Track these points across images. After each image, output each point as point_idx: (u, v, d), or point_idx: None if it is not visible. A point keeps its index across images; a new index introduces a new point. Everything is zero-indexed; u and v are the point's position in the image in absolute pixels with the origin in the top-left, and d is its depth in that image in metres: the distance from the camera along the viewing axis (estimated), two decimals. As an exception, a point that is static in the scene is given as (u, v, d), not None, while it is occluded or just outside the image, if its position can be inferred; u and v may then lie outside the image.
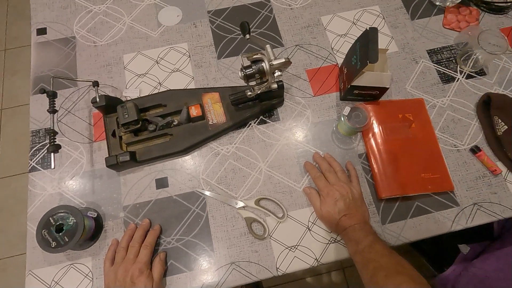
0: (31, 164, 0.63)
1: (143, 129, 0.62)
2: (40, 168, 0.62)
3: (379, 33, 0.55)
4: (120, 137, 0.62)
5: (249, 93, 0.57)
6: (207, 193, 0.60)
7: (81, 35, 0.73)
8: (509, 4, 0.73)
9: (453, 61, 0.70)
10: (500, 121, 0.62)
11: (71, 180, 0.62)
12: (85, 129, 0.65)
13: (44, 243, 0.51)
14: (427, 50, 0.71)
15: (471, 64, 0.68)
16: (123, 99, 0.66)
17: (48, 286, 0.55)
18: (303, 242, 0.57)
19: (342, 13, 0.75)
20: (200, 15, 0.75)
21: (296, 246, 0.57)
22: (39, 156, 0.63)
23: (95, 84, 0.61)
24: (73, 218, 0.52)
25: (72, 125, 0.65)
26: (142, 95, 0.68)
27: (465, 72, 0.69)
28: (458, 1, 0.74)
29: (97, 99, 0.59)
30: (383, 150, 0.61)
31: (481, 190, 0.60)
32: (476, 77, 0.68)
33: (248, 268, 0.56)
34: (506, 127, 0.62)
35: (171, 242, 0.58)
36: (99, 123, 0.65)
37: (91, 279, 0.55)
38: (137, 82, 0.69)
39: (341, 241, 0.57)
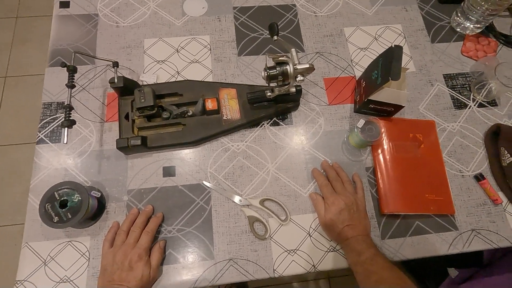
0: (39, 136, 0.62)
1: (157, 115, 0.62)
2: (48, 141, 0.62)
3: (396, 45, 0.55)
4: (133, 121, 0.62)
5: (269, 93, 0.57)
6: (213, 187, 0.60)
7: (104, 13, 0.73)
8: (527, 40, 0.75)
9: (467, 88, 0.71)
10: (506, 152, 0.64)
11: (78, 157, 0.61)
12: (98, 108, 0.65)
13: (46, 217, 0.50)
14: (443, 74, 0.72)
15: (485, 93, 0.69)
16: (140, 83, 0.66)
17: (43, 260, 0.54)
18: (303, 247, 0.58)
19: (365, 27, 0.76)
20: (225, 9, 0.75)
21: (295, 250, 0.57)
22: (48, 129, 0.63)
23: (115, 64, 0.60)
24: (78, 195, 0.52)
25: (85, 103, 0.65)
26: (158, 82, 0.67)
27: (477, 101, 0.70)
28: (478, 31, 0.75)
29: (115, 80, 0.59)
30: (390, 167, 0.62)
31: (481, 218, 0.61)
32: (487, 106, 0.70)
33: (246, 266, 0.56)
34: (511, 159, 0.63)
35: (171, 232, 0.57)
36: (113, 104, 0.65)
37: (87, 258, 0.55)
38: (155, 68, 0.69)
39: (340, 250, 0.58)
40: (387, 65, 0.55)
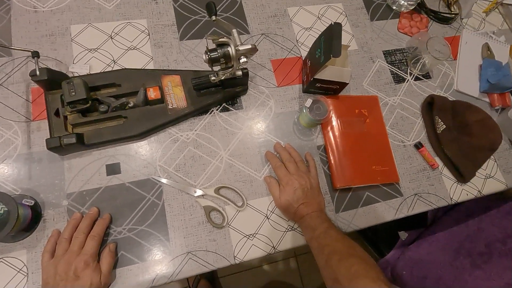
0: (-52, 143, 0.53)
1: (92, 109, 0.56)
2: (-39, 148, 0.53)
3: (342, 30, 0.56)
4: (65, 117, 0.56)
5: (213, 78, 0.55)
6: (164, 180, 0.57)
7: (17, -3, 0.63)
8: (453, 15, 0.81)
9: (405, 63, 0.76)
10: (440, 120, 0.69)
11: (2, 163, 0.54)
12: (21, 106, 0.57)
13: (-34, 235, 0.44)
14: (383, 51, 0.76)
15: (419, 67, 0.74)
16: (70, 75, 0.59)
17: (-30, 284, 0.48)
18: (261, 230, 0.58)
19: (308, 6, 0.76)
20: (161, -9, 0.70)
21: (254, 235, 0.57)
22: (-41, 135, 0.54)
23: (35, 54, 0.53)
24: (3, 206, 0.46)
25: (5, 101, 0.57)
26: (92, 72, 0.61)
27: (414, 74, 0.75)
28: (412, 8, 0.79)
29: (37, 72, 0.52)
30: (339, 143, 0.64)
31: (421, 182, 0.66)
32: (422, 79, 0.75)
33: (205, 257, 0.55)
34: (444, 126, 0.69)
35: (122, 232, 0.54)
36: (39, 100, 0.58)
37: (25, 274, 0.49)
38: (87, 57, 0.62)
39: (297, 229, 0.59)
40: (329, 43, 0.55)
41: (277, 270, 1.31)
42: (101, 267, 0.49)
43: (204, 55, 0.51)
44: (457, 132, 0.69)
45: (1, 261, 0.49)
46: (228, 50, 0.50)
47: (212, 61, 0.51)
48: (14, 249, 0.50)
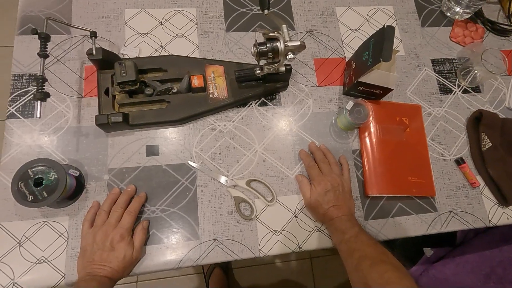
0: (10, 110, 0.58)
1: (139, 91, 0.59)
2: (19, 116, 0.57)
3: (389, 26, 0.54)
4: (114, 96, 0.58)
5: (258, 71, 0.55)
6: (199, 167, 0.59)
7: (80, -22, 0.67)
8: (511, 28, 0.76)
9: (454, 74, 0.72)
10: (486, 138, 0.65)
11: (54, 134, 0.57)
12: (75, 82, 0.61)
13: (20, 196, 0.47)
14: (431, 59, 0.72)
15: (470, 79, 0.70)
16: (121, 56, 0.62)
17: (18, 241, 0.52)
18: (288, 228, 0.58)
19: (357, 7, 0.74)
20: (213, -19, 0.71)
21: (280, 231, 0.58)
22: (20, 103, 0.58)
23: (93, 34, 0.56)
24: (54, 173, 0.49)
25: (61, 75, 0.61)
26: (141, 56, 0.64)
27: (462, 87, 0.71)
28: (467, 16, 0.75)
29: (94, 51, 0.55)
30: (376, 150, 0.63)
31: (459, 200, 0.63)
32: (471, 93, 0.71)
33: (231, 246, 0.56)
34: (490, 144, 0.65)
35: (155, 212, 0.56)
36: (91, 78, 0.61)
37: (66, 238, 0.53)
38: (137, 41, 0.65)
39: (324, 231, 0.58)
40: (379, 46, 0.54)
41: (290, 269, 1.31)
42: (134, 242, 0.51)
43: (252, 48, 0.52)
44: (504, 152, 0.65)
45: (46, 224, 0.53)
46: (277, 45, 0.50)
47: (260, 55, 0.51)
48: (58, 215, 0.54)
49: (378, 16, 0.74)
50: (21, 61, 0.60)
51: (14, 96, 0.58)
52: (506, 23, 0.76)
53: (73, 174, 0.54)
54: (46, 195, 0.48)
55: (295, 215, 0.59)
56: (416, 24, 0.75)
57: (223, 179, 0.59)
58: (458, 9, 0.75)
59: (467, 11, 0.74)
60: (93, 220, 0.52)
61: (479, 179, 0.65)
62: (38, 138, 0.57)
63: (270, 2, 0.70)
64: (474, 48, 0.72)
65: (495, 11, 0.79)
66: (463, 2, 0.72)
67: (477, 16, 0.77)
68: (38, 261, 0.51)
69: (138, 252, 0.51)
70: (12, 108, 0.58)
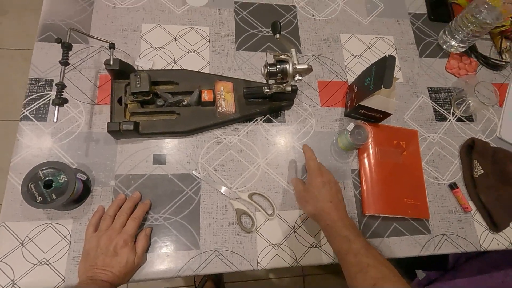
0: (24, 112, 0.59)
1: (151, 102, 0.61)
2: (33, 118, 0.59)
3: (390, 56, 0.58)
4: (126, 105, 0.61)
5: (266, 90, 0.59)
6: (203, 177, 0.61)
7: (101, -8, 0.71)
8: (503, 63, 0.81)
9: (448, 102, 0.76)
10: (478, 165, 0.69)
11: (65, 138, 0.59)
12: (89, 89, 0.63)
13: (29, 196, 0.48)
14: (428, 88, 0.77)
15: (463, 109, 0.74)
16: (135, 67, 0.65)
17: (21, 241, 0.52)
18: (287, 242, 0.59)
19: (360, 35, 0.79)
20: (226, 3, 0.75)
21: (279, 245, 0.59)
22: (34, 106, 0.60)
23: (112, 46, 0.59)
24: (64, 176, 0.50)
25: (76, 82, 0.63)
26: (154, 68, 0.66)
27: (456, 115, 0.75)
28: (462, 50, 0.80)
29: (111, 62, 0.58)
30: (374, 171, 0.65)
31: (452, 223, 0.66)
32: (465, 121, 0.75)
33: (230, 257, 0.57)
34: (482, 171, 0.68)
35: (158, 219, 0.57)
36: (105, 86, 0.64)
37: (68, 241, 0.53)
38: (151, 54, 0.68)
39: (322, 247, 0.60)
40: (381, 73, 0.58)
41: (283, 285, 1.31)
42: (136, 249, 0.52)
43: (262, 68, 0.55)
44: (495, 179, 0.68)
45: (50, 226, 0.54)
46: (286, 67, 0.54)
47: (269, 75, 0.55)
48: (63, 217, 0.55)
49: (379, 45, 0.79)
50: (39, 66, 0.63)
51: (29, 100, 0.60)
52: (498, 59, 0.82)
53: (80, 178, 0.55)
54: (54, 197, 0.49)
55: (294, 230, 0.60)
56: (415, 55, 0.80)
57: (226, 191, 0.60)
58: (453, 43, 0.80)
59: (462, 45, 0.79)
60: (97, 225, 0.53)
61: (471, 204, 0.67)
62: (49, 142, 0.58)
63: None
64: (468, 80, 0.77)
65: (488, 47, 0.84)
66: (458, 37, 0.78)
67: (471, 51, 0.82)
68: (39, 263, 0.52)
69: (140, 258, 0.52)
70: (27, 110, 0.60)
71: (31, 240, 0.53)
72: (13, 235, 0.53)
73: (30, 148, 0.57)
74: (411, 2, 0.85)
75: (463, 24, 0.75)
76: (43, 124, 0.59)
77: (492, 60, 0.81)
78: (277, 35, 0.54)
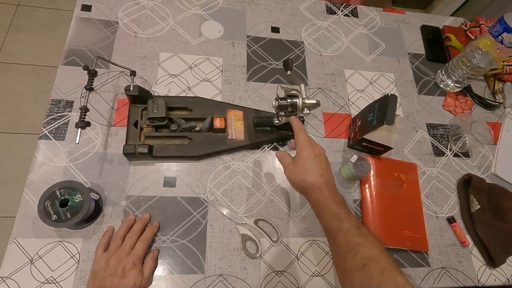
0: (43, 131, 0.62)
1: (165, 126, 0.64)
2: (51, 137, 0.62)
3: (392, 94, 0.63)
4: (141, 129, 0.64)
5: (276, 121, 0.62)
6: (211, 202, 0.63)
7: (124, 22, 0.76)
8: (497, 103, 0.86)
9: (446, 138, 0.80)
10: (475, 200, 0.71)
11: (81, 157, 0.61)
12: (107, 111, 0.66)
13: (45, 214, 0.50)
14: (426, 123, 0.81)
15: (460, 145, 0.78)
16: (152, 93, 0.69)
17: (30, 258, 0.53)
18: (290, 269, 0.60)
19: (363, 71, 0.84)
20: (239, 37, 0.81)
21: (282, 272, 0.60)
22: (53, 126, 0.63)
23: (133, 73, 0.63)
24: (80, 196, 0.52)
25: (95, 104, 0.66)
26: (169, 94, 0.70)
27: (453, 151, 0.79)
28: (458, 90, 0.86)
29: (131, 88, 0.61)
30: (375, 202, 0.68)
31: (450, 257, 0.67)
32: (461, 157, 0.79)
33: (234, 283, 0.58)
34: (479, 206, 0.71)
35: (165, 242, 0.58)
36: (122, 109, 0.67)
37: (77, 260, 0.54)
38: (167, 80, 0.72)
39: (325, 275, 0.61)
40: (383, 110, 0.62)
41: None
42: (144, 270, 0.53)
43: (274, 101, 0.59)
44: (491, 215, 0.70)
45: (60, 244, 0.55)
46: (296, 101, 0.58)
47: (280, 108, 0.58)
48: (73, 236, 0.56)
49: (381, 81, 0.84)
50: (61, 88, 0.66)
51: (49, 119, 0.63)
52: (491, 99, 0.87)
53: (93, 197, 0.57)
54: (69, 216, 0.51)
55: (297, 258, 0.62)
56: (414, 92, 0.85)
57: (232, 216, 0.62)
58: (449, 83, 0.85)
59: (458, 85, 0.84)
60: (107, 245, 0.54)
61: (468, 238, 0.70)
62: (65, 160, 0.61)
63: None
64: (464, 118, 0.81)
65: (482, 87, 0.90)
66: (454, 78, 0.83)
67: (467, 90, 0.87)
68: (46, 281, 0.52)
69: (146, 280, 0.53)
70: (46, 129, 0.62)
71: (40, 258, 0.54)
72: (23, 252, 0.53)
73: (46, 166, 0.60)
74: (410, 43, 0.91)
75: (458, 66, 0.81)
76: (61, 143, 0.62)
77: (486, 100, 0.86)
78: (289, 72, 0.58)
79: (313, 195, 0.50)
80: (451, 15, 2.10)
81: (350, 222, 0.46)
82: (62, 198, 0.52)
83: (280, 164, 0.56)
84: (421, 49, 0.91)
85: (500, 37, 0.69)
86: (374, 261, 0.43)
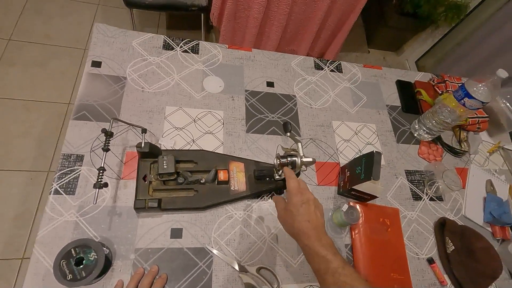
0: (54, 186, 0.64)
1: (172, 179, 0.69)
2: (62, 192, 0.64)
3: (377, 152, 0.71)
4: (150, 182, 0.68)
5: (277, 176, 0.69)
6: (216, 252, 0.67)
7: (132, 78, 0.81)
8: (462, 151, 0.98)
9: (422, 183, 0.90)
10: (450, 242, 0.80)
11: (91, 211, 0.64)
12: (116, 165, 0.70)
13: (61, 274, 0.52)
14: (405, 170, 0.91)
15: (434, 190, 0.88)
16: (159, 145, 0.73)
17: (40, 318, 0.54)
18: (290, 316, 0.65)
19: (348, 122, 0.94)
20: (238, 91, 0.88)
21: (283, 319, 0.64)
22: (64, 180, 0.65)
23: (144, 131, 0.68)
24: (95, 254, 0.55)
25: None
26: (175, 147, 0.75)
27: (429, 195, 0.89)
28: (430, 139, 0.97)
29: (142, 145, 0.66)
30: (365, 246, 0.75)
31: (432, 296, 0.74)
32: (436, 201, 0.88)
33: (239, 332, 0.61)
34: (453, 247, 0.79)
35: (173, 294, 0.61)
36: (130, 163, 0.71)
37: (87, 318, 0.56)
38: (173, 133, 0.77)
39: (322, 321, 0.65)
40: (370, 165, 0.70)
41: None
42: (154, 325, 0.55)
43: (275, 160, 0.66)
44: (465, 256, 0.79)
45: (70, 301, 0.56)
46: (295, 160, 0.65)
47: (281, 165, 0.65)
48: (83, 292, 0.57)
49: (364, 131, 0.94)
50: (72, 143, 0.69)
51: (60, 174, 0.66)
52: (458, 147, 0.99)
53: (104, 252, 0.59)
54: (84, 275, 0.53)
55: (296, 304, 0.66)
56: (393, 140, 0.95)
57: (236, 265, 0.66)
58: (422, 133, 0.97)
59: (429, 135, 0.96)
60: (118, 300, 0.56)
61: (446, 278, 0.77)
62: (76, 215, 0.63)
63: (282, 111, 0.88)
64: (436, 165, 0.92)
65: (450, 136, 1.02)
66: (425, 129, 0.95)
67: (437, 139, 0.99)
68: None
69: (158, 335, 0.55)
70: (57, 184, 0.65)
71: (50, 317, 0.54)
72: (32, 311, 0.54)
73: (57, 221, 0.62)
74: (387, 96, 1.03)
75: (428, 119, 0.93)
76: (71, 197, 0.64)
77: (454, 148, 0.98)
78: (288, 133, 0.66)
79: (302, 240, 0.54)
80: (418, 59, 2.34)
81: (336, 262, 0.50)
82: (78, 256, 0.54)
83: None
84: (397, 102, 1.03)
85: (462, 101, 0.82)
86: None
